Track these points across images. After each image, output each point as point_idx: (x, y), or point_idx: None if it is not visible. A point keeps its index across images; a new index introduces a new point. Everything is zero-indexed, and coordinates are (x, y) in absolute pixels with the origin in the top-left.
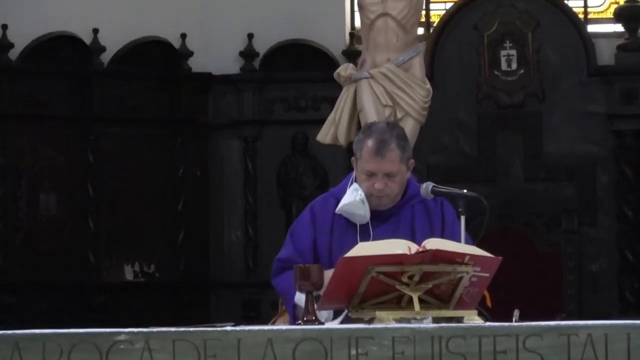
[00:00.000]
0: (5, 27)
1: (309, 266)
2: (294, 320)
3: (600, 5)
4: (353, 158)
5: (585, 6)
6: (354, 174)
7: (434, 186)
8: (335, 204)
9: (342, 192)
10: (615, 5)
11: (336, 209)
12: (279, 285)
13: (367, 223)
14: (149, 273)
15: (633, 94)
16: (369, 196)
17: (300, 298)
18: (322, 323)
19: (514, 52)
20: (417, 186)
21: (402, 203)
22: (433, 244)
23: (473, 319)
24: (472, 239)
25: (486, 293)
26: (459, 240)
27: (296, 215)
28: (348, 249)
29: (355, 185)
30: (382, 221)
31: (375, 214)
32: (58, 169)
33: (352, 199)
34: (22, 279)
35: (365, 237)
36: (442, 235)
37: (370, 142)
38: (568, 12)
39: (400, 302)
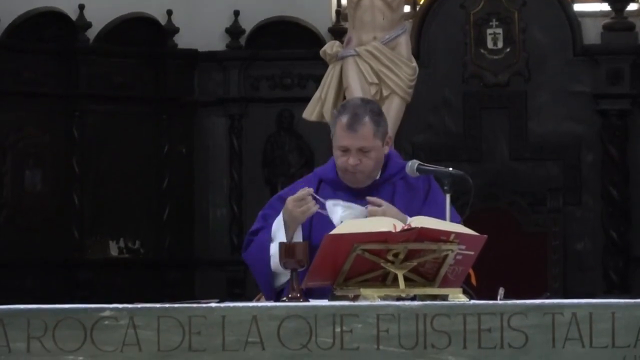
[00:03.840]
0: None
1: (294, 244)
2: (267, 292)
3: None
4: (331, 135)
5: None
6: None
7: (419, 164)
8: (318, 184)
9: (327, 172)
10: None
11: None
12: (250, 253)
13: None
14: (134, 249)
15: (619, 73)
16: (343, 172)
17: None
18: (307, 300)
19: (500, 30)
20: (399, 163)
21: (382, 180)
22: (418, 221)
23: (458, 297)
24: (460, 218)
25: (471, 271)
26: (443, 209)
27: None
28: (327, 228)
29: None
30: (362, 199)
31: (355, 192)
32: (43, 145)
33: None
34: (6, 255)
35: None
36: (424, 203)
37: (344, 118)
38: None
39: (385, 280)
